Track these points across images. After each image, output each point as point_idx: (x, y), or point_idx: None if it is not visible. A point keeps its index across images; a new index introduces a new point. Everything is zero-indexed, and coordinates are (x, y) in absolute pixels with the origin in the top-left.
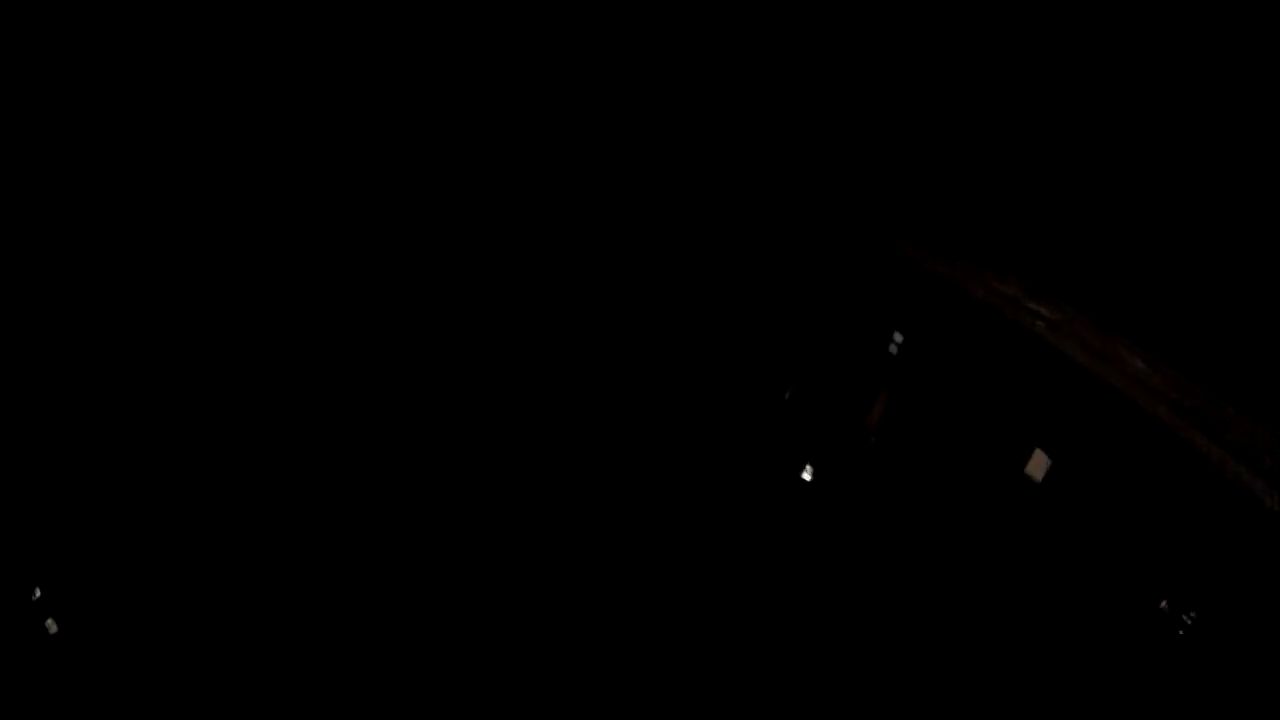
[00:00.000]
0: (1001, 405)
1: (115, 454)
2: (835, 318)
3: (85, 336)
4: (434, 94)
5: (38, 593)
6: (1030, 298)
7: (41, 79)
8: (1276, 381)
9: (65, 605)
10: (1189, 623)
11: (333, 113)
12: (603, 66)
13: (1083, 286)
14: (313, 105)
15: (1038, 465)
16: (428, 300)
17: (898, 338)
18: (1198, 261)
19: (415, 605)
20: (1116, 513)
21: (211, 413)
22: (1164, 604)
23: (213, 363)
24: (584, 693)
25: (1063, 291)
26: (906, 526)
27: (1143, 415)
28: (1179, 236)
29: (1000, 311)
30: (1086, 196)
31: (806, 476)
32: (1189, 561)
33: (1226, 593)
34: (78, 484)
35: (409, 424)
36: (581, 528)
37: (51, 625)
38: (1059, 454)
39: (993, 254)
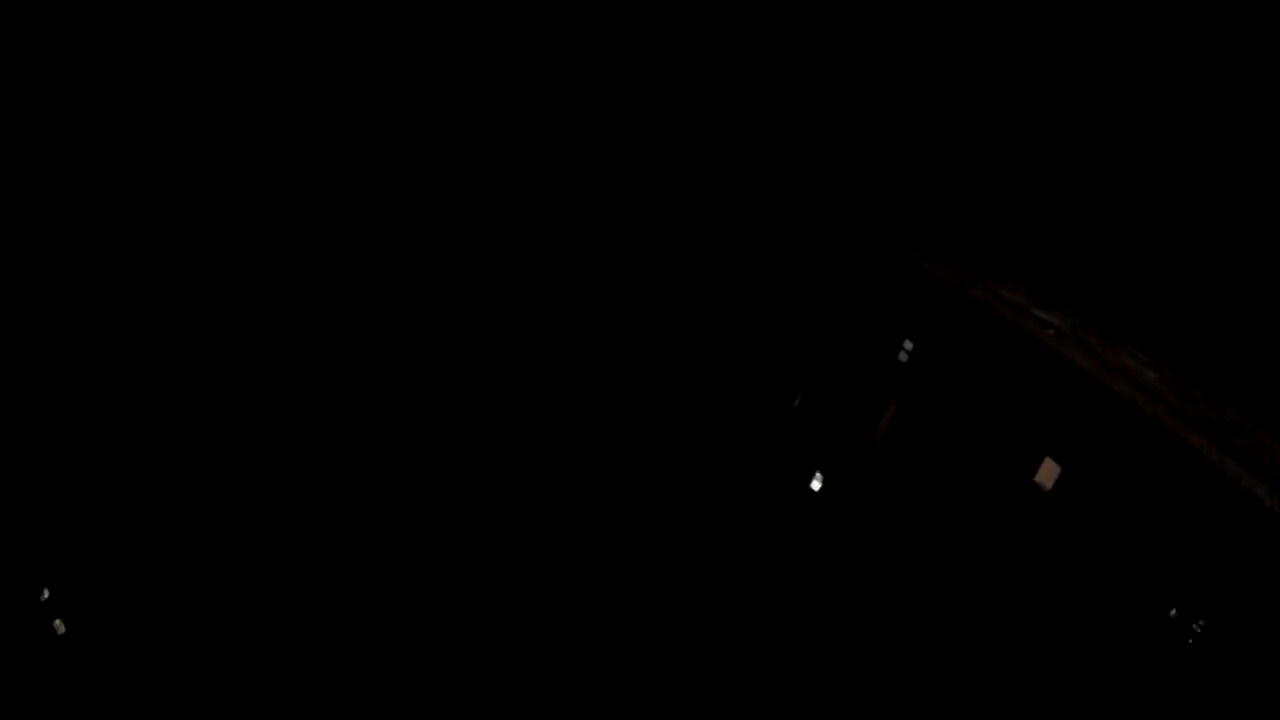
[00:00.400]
0: (1006, 411)
1: (119, 455)
2: (844, 325)
3: (91, 340)
4: (444, 97)
5: (46, 594)
6: (1036, 305)
7: (46, 80)
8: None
9: (72, 606)
10: (1198, 630)
11: (336, 115)
12: (613, 73)
13: (1089, 294)
14: (316, 108)
15: (1047, 474)
16: (439, 307)
17: (907, 345)
18: (1203, 269)
19: (416, 605)
20: (1123, 517)
21: (215, 415)
22: (1173, 612)
23: (217, 365)
24: (594, 695)
25: (1069, 299)
26: (916, 535)
27: (1145, 420)
28: (1184, 245)
29: (1000, 315)
30: (1093, 206)
31: (816, 486)
32: (1195, 564)
33: (1231, 594)
34: (83, 486)
35: (413, 428)
36: (589, 533)
37: (59, 626)
38: (1062, 457)
39: (1002, 263)
